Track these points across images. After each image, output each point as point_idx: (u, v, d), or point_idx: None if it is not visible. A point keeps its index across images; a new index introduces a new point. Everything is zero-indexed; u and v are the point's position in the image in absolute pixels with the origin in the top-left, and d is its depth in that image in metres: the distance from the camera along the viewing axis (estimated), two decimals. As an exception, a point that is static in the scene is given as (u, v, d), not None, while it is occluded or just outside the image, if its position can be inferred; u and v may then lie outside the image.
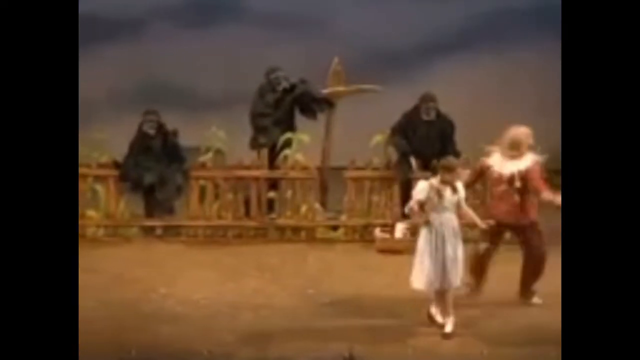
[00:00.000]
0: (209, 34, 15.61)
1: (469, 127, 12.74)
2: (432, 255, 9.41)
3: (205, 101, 15.09)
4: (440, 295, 9.54)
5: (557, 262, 8.29)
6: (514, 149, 9.88)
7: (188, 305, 10.18)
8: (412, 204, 9.47)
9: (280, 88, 12.94)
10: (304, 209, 12.62)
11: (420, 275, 9.45)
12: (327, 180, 12.94)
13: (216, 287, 10.78)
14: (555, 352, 8.21)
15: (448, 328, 9.44)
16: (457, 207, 9.49)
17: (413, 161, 12.46)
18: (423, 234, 9.49)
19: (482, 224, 9.79)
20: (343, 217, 12.72)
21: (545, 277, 10.07)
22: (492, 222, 9.87)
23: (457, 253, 9.45)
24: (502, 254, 10.23)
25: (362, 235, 12.69)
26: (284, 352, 9.10)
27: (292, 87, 12.95)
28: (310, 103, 12.94)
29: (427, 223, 9.43)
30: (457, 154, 12.54)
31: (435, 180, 9.42)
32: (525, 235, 10.03)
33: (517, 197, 9.86)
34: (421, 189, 9.44)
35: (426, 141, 12.48)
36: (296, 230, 12.66)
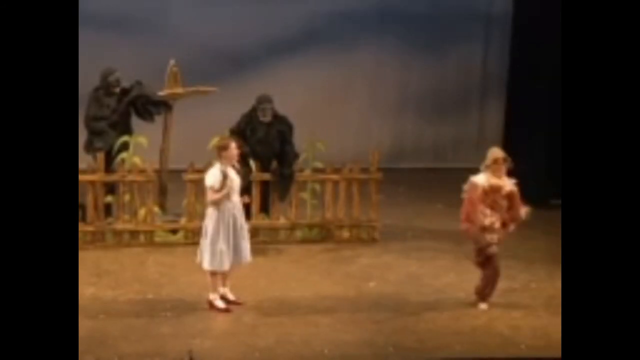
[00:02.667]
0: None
1: (308, 128, 12.80)
2: (227, 237, 9.96)
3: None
4: (226, 273, 10.19)
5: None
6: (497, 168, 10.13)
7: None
8: (211, 195, 9.98)
9: (116, 90, 12.74)
10: (142, 212, 12.45)
11: (217, 257, 9.96)
12: (165, 183, 12.82)
13: (52, 295, 10.54)
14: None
15: (232, 297, 10.24)
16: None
17: (252, 163, 12.44)
18: (214, 218, 9.96)
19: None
20: (183, 220, 12.61)
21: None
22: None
23: (245, 231, 10.15)
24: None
25: (202, 238, 12.59)
26: (124, 358, 8.99)
27: (128, 90, 12.76)
28: (146, 105, 12.78)
29: (219, 206, 9.96)
30: (296, 155, 12.62)
31: (219, 165, 10.00)
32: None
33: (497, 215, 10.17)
34: (211, 174, 9.98)
35: (265, 143, 12.48)
36: (134, 234, 12.47)
